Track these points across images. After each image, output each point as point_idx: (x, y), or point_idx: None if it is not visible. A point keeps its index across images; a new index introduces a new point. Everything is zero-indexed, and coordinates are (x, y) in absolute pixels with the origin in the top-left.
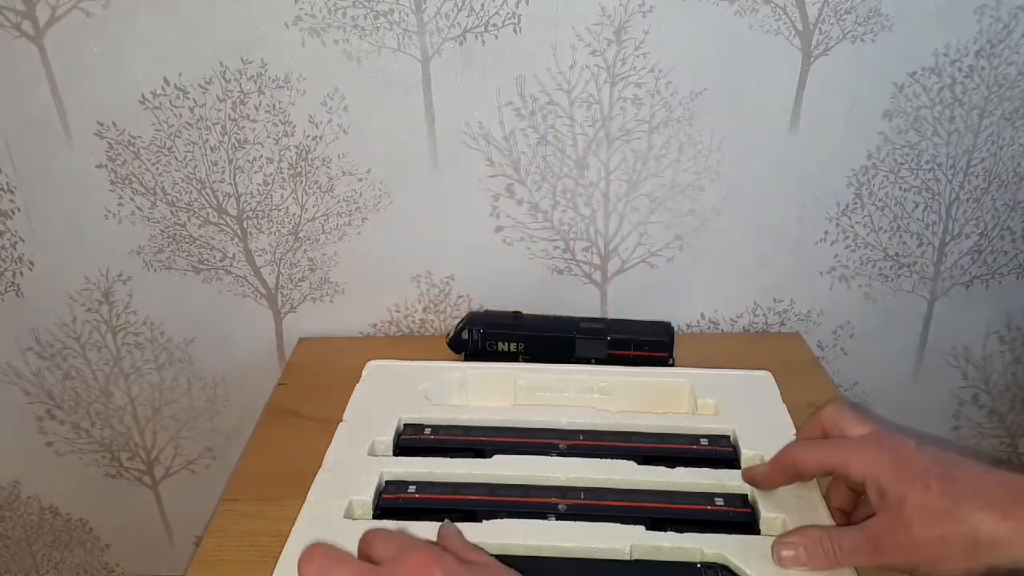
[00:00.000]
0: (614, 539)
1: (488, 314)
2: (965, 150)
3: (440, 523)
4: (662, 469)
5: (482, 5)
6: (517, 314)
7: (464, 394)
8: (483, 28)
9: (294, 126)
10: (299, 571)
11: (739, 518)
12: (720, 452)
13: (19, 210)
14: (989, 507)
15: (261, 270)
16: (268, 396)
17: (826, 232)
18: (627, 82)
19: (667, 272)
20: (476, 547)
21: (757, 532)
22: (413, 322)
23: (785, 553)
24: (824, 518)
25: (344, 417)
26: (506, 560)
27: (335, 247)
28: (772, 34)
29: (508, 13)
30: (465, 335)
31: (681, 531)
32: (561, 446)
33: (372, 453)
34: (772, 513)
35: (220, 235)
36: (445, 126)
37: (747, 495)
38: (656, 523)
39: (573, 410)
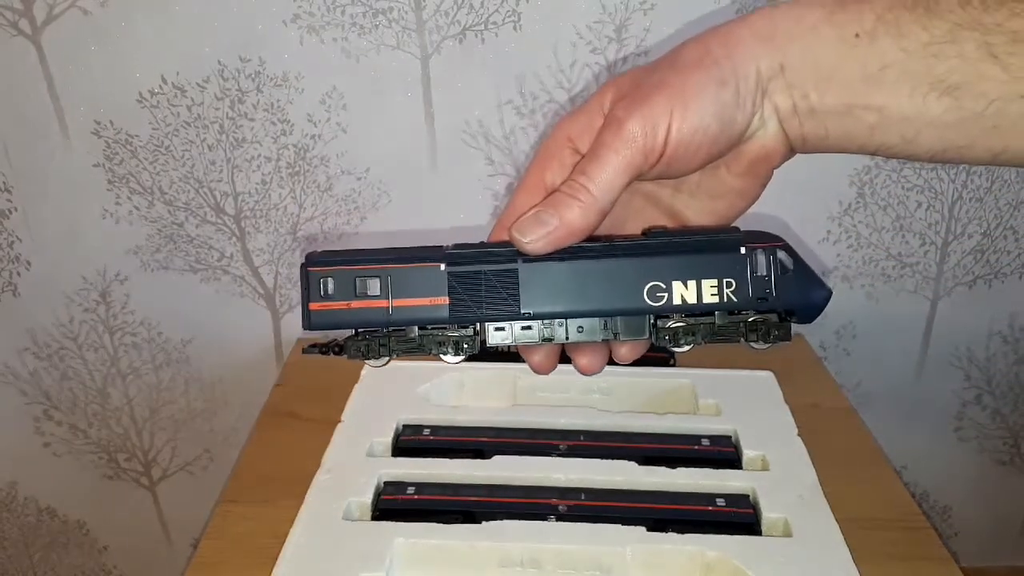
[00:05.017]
0: (615, 540)
1: None
2: None
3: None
4: (663, 470)
5: (482, 3)
6: None
7: (463, 395)
8: (483, 26)
9: (292, 125)
10: None
11: (741, 519)
12: (722, 453)
13: (16, 210)
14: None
15: (259, 270)
16: (266, 397)
17: (828, 232)
18: None
19: None
20: None
21: (759, 533)
22: None
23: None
24: (827, 517)
25: (342, 418)
26: None
27: (334, 247)
28: None
29: (508, 11)
30: None
31: (682, 532)
32: (561, 447)
33: (371, 454)
34: (774, 514)
35: (218, 235)
36: (445, 125)
37: (748, 496)
38: (657, 524)
39: (574, 410)
